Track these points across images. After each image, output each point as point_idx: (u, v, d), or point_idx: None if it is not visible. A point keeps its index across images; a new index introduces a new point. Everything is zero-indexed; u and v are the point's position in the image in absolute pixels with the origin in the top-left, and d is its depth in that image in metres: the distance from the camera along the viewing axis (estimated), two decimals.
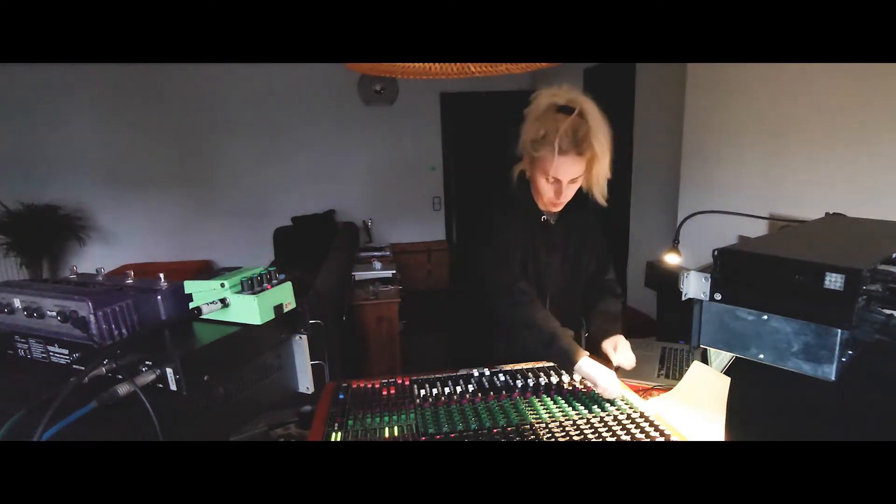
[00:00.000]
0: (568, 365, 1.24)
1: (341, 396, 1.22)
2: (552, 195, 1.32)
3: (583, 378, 1.23)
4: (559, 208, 1.37)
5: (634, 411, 1.13)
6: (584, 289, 1.51)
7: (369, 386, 1.29)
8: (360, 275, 3.55)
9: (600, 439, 1.02)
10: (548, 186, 1.32)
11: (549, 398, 1.20)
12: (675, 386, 1.31)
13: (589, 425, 1.07)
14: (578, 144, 1.24)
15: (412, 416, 1.13)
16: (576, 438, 1.03)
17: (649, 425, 1.06)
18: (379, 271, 3.59)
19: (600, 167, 1.28)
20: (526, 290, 1.34)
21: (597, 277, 1.52)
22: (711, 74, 2.64)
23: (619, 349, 1.33)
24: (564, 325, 1.31)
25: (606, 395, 1.18)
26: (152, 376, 0.70)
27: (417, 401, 1.20)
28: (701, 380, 1.29)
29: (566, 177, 1.28)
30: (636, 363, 1.33)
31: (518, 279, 1.35)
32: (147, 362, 0.71)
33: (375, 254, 4.18)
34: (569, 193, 1.32)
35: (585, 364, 1.21)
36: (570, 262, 1.46)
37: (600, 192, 1.34)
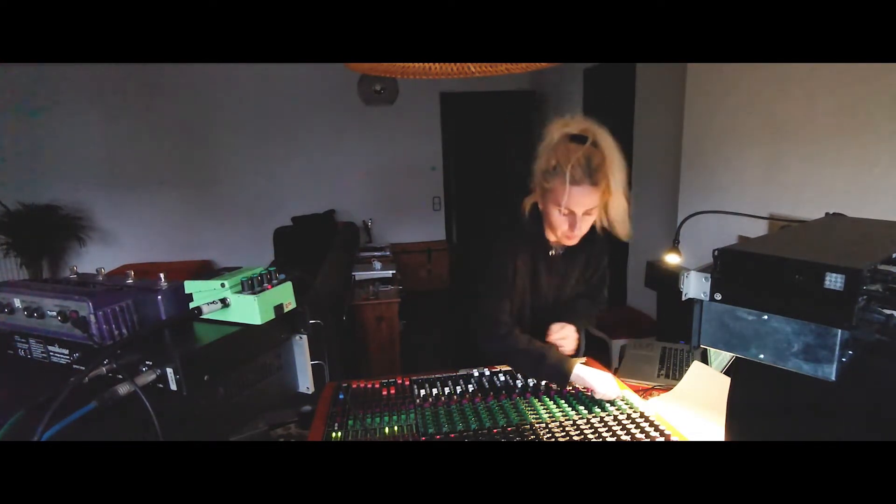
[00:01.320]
0: (562, 378, 1.23)
1: (341, 396, 1.22)
2: (566, 228, 1.27)
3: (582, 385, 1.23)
4: (574, 241, 1.32)
5: (634, 411, 1.13)
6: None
7: (369, 386, 1.29)
8: (360, 275, 3.55)
9: (600, 439, 1.02)
10: (562, 219, 1.27)
11: (549, 398, 1.20)
12: (675, 386, 1.31)
13: (589, 425, 1.07)
14: (592, 174, 1.20)
15: (412, 416, 1.13)
16: (576, 438, 1.03)
17: (649, 425, 1.06)
18: (379, 271, 3.59)
19: (616, 201, 1.24)
20: (508, 322, 1.32)
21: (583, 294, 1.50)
22: (711, 74, 2.64)
23: (558, 330, 1.32)
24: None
25: (606, 399, 1.18)
26: (152, 376, 0.70)
27: (417, 401, 1.20)
28: (701, 380, 1.29)
29: (580, 208, 1.23)
30: (637, 363, 1.32)
31: (502, 312, 1.33)
32: (147, 362, 0.71)
33: (375, 254, 4.19)
34: (584, 226, 1.27)
35: (581, 371, 1.22)
36: (566, 291, 1.45)
37: (621, 228, 1.29)
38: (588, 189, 1.21)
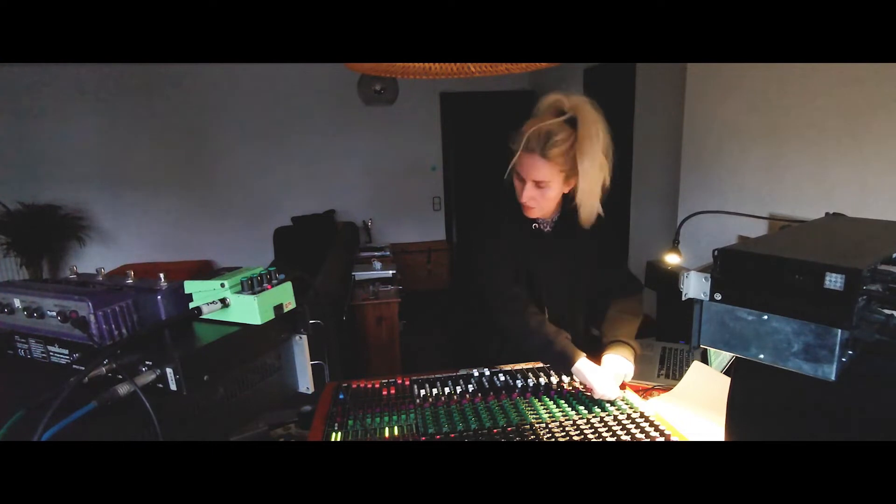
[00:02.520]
0: (565, 367, 1.24)
1: (341, 396, 1.22)
2: (520, 195, 1.28)
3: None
4: (531, 214, 1.33)
5: (634, 411, 1.13)
6: (592, 299, 1.46)
7: (369, 386, 1.29)
8: (360, 275, 3.55)
9: (600, 439, 1.02)
10: (519, 186, 1.28)
11: (549, 398, 1.20)
12: (675, 386, 1.31)
13: (589, 425, 1.07)
14: (545, 147, 1.20)
15: (412, 416, 1.13)
16: (576, 438, 1.03)
17: (649, 425, 1.06)
18: (379, 271, 3.59)
19: (586, 186, 1.23)
20: (518, 296, 1.31)
21: (605, 284, 1.46)
22: (711, 74, 2.64)
23: (605, 362, 1.26)
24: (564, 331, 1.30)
25: (605, 399, 1.17)
26: (152, 376, 0.70)
27: (417, 401, 1.20)
28: (701, 380, 1.29)
29: (529, 175, 1.24)
30: (637, 363, 1.32)
31: (510, 285, 1.32)
32: (147, 362, 0.71)
33: (375, 254, 4.18)
34: (534, 195, 1.27)
35: (582, 366, 1.21)
36: (569, 272, 1.42)
37: (584, 212, 1.27)
38: (538, 160, 1.22)
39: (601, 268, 1.44)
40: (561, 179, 1.26)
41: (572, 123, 1.21)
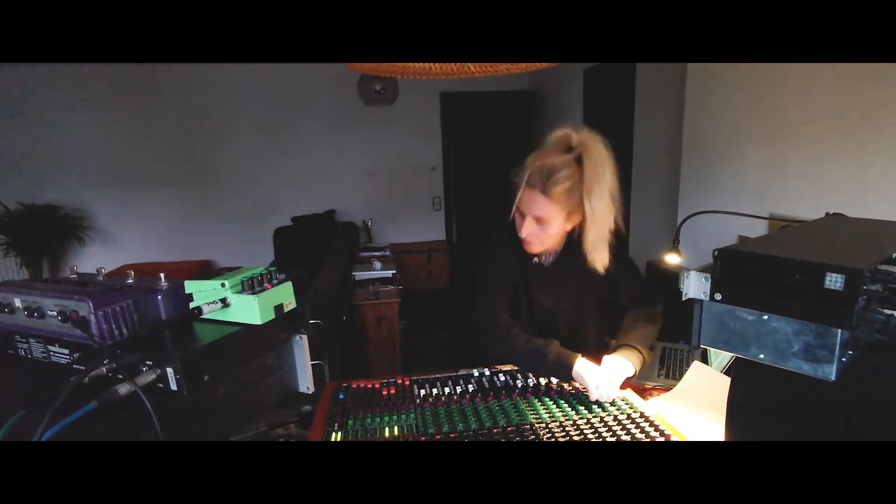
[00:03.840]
0: (565, 374, 1.21)
1: (341, 396, 1.23)
2: (520, 229, 1.26)
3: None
4: (531, 249, 1.30)
5: (634, 411, 1.13)
6: (606, 317, 1.43)
7: (369, 386, 1.29)
8: (360, 275, 3.55)
9: (600, 439, 1.02)
10: (519, 220, 1.26)
11: (549, 398, 1.20)
12: (675, 386, 1.31)
13: (589, 425, 1.07)
14: (547, 184, 1.17)
15: (412, 416, 1.14)
16: (576, 438, 1.03)
17: (649, 425, 1.06)
18: (379, 271, 3.59)
19: (592, 228, 1.20)
20: (505, 322, 1.30)
21: (619, 301, 1.42)
22: (711, 74, 2.64)
23: (604, 363, 1.23)
24: None
25: (603, 400, 1.17)
26: (152, 376, 0.70)
27: (417, 401, 1.20)
28: (701, 380, 1.29)
29: (529, 211, 1.22)
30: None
31: (498, 313, 1.30)
32: (147, 362, 0.71)
33: (375, 254, 4.19)
34: (534, 231, 1.24)
35: (581, 368, 1.20)
36: (572, 303, 1.39)
37: (595, 256, 1.23)
38: (538, 196, 1.19)
39: (613, 287, 1.40)
40: (562, 217, 1.23)
41: (579, 161, 1.18)
